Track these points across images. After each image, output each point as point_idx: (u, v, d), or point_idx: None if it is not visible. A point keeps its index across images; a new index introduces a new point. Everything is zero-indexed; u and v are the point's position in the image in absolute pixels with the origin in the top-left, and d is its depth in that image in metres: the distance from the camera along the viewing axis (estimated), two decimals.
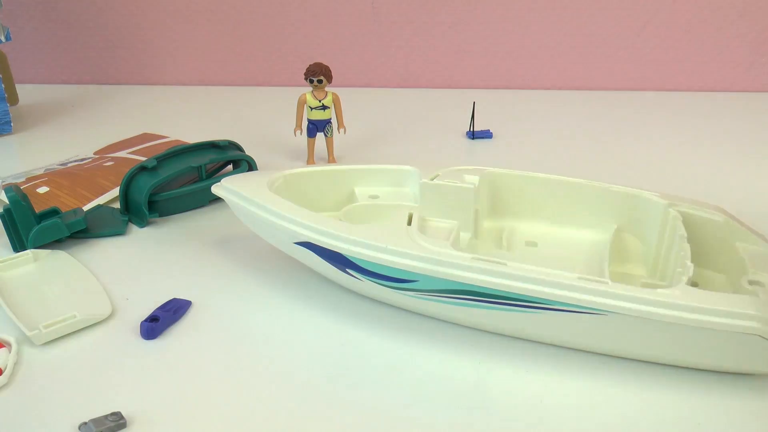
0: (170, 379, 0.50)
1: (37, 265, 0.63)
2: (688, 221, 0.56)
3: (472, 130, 0.97)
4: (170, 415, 0.47)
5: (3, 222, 0.65)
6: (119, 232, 0.71)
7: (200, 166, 0.75)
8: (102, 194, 0.77)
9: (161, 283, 0.62)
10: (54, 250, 0.66)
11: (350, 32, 1.19)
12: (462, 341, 0.55)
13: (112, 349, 0.54)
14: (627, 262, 0.62)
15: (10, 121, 1.00)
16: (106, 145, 0.93)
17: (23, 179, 0.80)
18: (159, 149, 0.88)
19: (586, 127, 1.02)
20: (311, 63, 0.82)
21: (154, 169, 0.73)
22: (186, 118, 1.07)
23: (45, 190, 0.77)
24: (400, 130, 1.01)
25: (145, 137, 0.96)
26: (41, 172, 0.83)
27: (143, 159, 0.82)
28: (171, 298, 0.59)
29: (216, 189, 0.64)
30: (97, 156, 0.89)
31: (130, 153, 0.89)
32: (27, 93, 1.15)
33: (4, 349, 0.52)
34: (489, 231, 0.66)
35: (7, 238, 0.67)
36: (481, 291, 0.51)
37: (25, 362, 0.52)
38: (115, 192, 0.77)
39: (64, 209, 0.71)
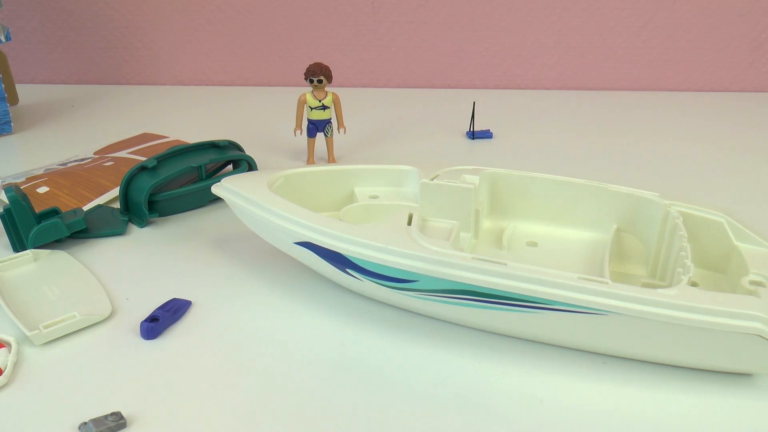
0: (170, 379, 0.50)
1: (37, 265, 0.63)
2: (688, 221, 0.56)
3: (472, 130, 0.97)
4: (170, 415, 0.47)
5: (3, 222, 0.65)
6: (119, 232, 0.71)
7: (200, 166, 0.75)
8: (102, 194, 0.77)
9: (161, 283, 0.62)
10: (54, 250, 0.66)
11: (350, 32, 1.19)
12: (462, 341, 0.55)
13: (112, 349, 0.54)
14: (627, 262, 0.62)
15: (10, 121, 1.00)
16: (106, 145, 0.93)
17: (23, 179, 0.80)
18: (159, 149, 0.88)
19: (586, 127, 1.02)
20: (311, 63, 0.83)
21: (154, 169, 0.73)
22: (186, 118, 1.07)
23: (45, 190, 0.77)
24: (400, 130, 1.01)
25: (145, 137, 0.96)
26: (41, 172, 0.83)
27: (143, 159, 0.82)
28: (171, 298, 0.59)
29: (216, 189, 0.64)
30: (97, 156, 0.89)
31: (130, 153, 0.89)
32: (27, 93, 1.15)
33: (4, 349, 0.52)
34: (489, 231, 0.66)
35: (7, 238, 0.67)
36: (481, 291, 0.51)
37: (25, 362, 0.52)
38: (115, 192, 0.77)
39: (64, 209, 0.71)
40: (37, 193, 0.76)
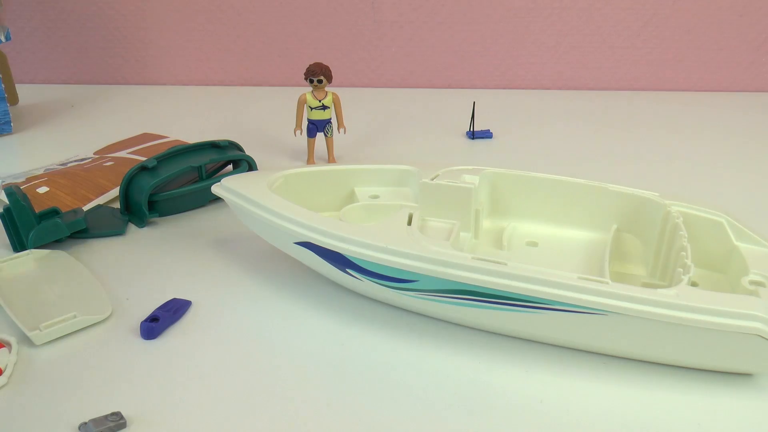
0: (170, 379, 0.50)
1: (37, 265, 0.63)
2: (688, 221, 0.56)
3: (472, 130, 0.97)
4: (170, 415, 0.47)
5: (3, 222, 0.65)
6: (119, 232, 0.71)
7: (200, 166, 0.75)
8: (102, 194, 0.77)
9: (161, 283, 0.62)
10: (54, 250, 0.66)
11: (350, 32, 1.19)
12: (462, 341, 0.55)
13: (112, 349, 0.54)
14: (627, 262, 0.62)
15: (10, 121, 1.00)
16: (106, 145, 0.93)
17: (23, 179, 0.80)
18: (159, 149, 0.88)
19: (586, 127, 1.02)
20: (311, 63, 0.82)
21: (154, 169, 0.73)
22: (186, 118, 1.07)
23: (45, 190, 0.77)
24: (400, 130, 1.01)
25: (145, 137, 0.96)
26: (41, 171, 0.83)
27: (143, 159, 0.82)
28: (171, 298, 0.59)
29: (216, 189, 0.64)
30: (97, 156, 0.89)
31: (130, 153, 0.89)
32: (27, 93, 1.15)
33: (4, 349, 0.52)
34: (489, 231, 0.66)
35: (7, 238, 0.67)
36: (481, 291, 0.51)
37: (25, 362, 0.52)
38: (115, 192, 0.77)
39: (64, 209, 0.71)
40: (37, 193, 0.76)
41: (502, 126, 1.01)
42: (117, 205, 0.76)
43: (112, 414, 0.46)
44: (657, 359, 0.51)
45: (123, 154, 0.89)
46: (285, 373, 0.51)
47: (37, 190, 0.77)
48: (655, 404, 0.49)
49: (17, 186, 0.66)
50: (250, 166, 0.80)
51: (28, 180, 0.80)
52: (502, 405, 0.48)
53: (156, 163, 0.73)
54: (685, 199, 0.59)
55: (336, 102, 0.85)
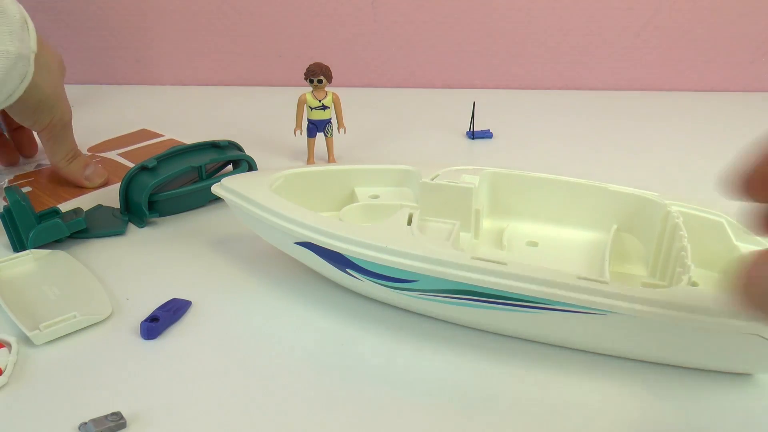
0: (170, 379, 0.50)
1: (37, 265, 0.63)
2: (688, 221, 0.56)
3: (472, 130, 0.97)
4: (170, 415, 0.47)
5: (3, 222, 0.65)
6: (119, 232, 0.71)
7: (200, 166, 0.75)
8: (79, 195, 0.78)
9: (161, 283, 0.62)
10: (54, 250, 0.66)
11: (350, 32, 1.19)
12: (462, 341, 0.55)
13: (112, 349, 0.54)
14: (627, 262, 0.62)
15: None
16: (101, 142, 0.94)
17: (12, 176, 0.83)
18: (150, 149, 0.90)
19: (586, 127, 1.02)
20: (311, 63, 0.82)
21: (154, 169, 0.73)
22: (186, 118, 1.07)
23: (28, 190, 0.79)
24: (400, 130, 1.01)
25: (143, 134, 0.97)
26: (32, 169, 0.85)
27: (131, 164, 0.83)
28: (171, 298, 0.59)
29: (216, 189, 0.64)
30: (89, 154, 0.90)
31: (119, 155, 0.90)
32: None
33: (4, 349, 0.52)
34: (489, 231, 0.66)
35: (7, 238, 0.67)
36: (481, 291, 0.51)
37: (25, 362, 0.52)
38: (93, 193, 0.79)
39: (40, 209, 0.72)
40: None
41: (502, 126, 1.01)
42: (116, 204, 0.76)
43: (112, 414, 0.46)
44: (657, 359, 0.51)
45: (112, 155, 0.90)
46: (285, 373, 0.51)
47: (21, 189, 0.79)
48: (654, 404, 0.49)
49: (17, 186, 0.66)
50: (250, 166, 0.80)
51: (17, 178, 0.83)
52: (502, 405, 0.48)
53: (156, 163, 0.73)
54: (685, 199, 0.59)
55: (336, 102, 0.85)
